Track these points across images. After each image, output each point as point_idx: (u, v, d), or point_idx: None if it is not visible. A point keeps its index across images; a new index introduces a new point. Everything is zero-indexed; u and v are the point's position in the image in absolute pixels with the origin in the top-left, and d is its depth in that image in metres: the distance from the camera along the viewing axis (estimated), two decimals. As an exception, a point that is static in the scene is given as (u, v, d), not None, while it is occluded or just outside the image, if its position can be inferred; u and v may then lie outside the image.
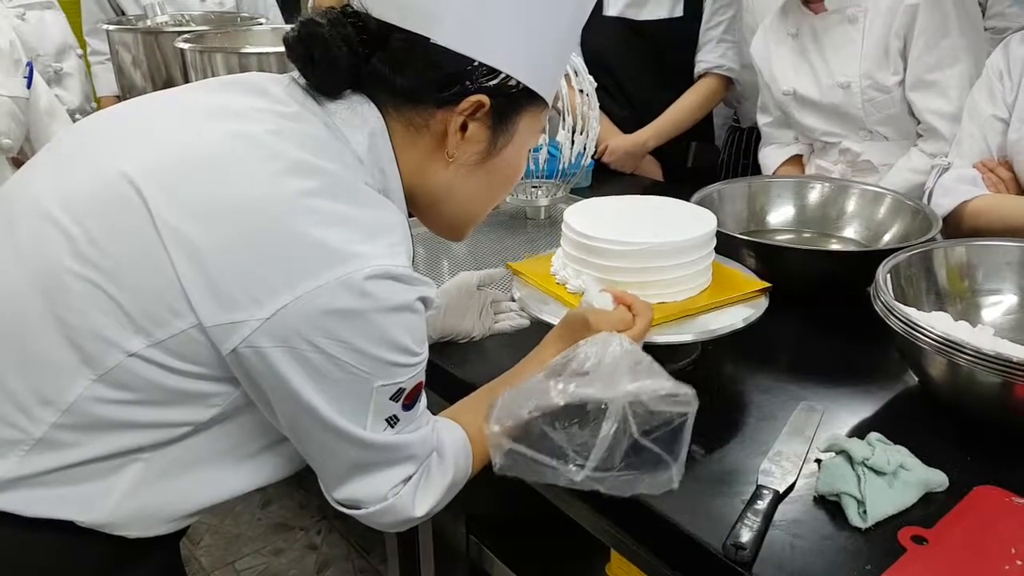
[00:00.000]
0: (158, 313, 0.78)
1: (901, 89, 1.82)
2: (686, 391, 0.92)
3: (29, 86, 2.13)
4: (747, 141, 2.61)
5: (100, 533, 0.85)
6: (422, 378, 0.88)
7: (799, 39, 1.95)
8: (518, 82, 0.90)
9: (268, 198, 0.78)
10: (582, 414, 0.94)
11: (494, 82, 0.88)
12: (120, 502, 0.84)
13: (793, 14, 1.96)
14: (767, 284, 1.23)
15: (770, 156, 2.15)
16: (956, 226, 1.57)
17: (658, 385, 0.93)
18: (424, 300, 0.84)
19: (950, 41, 1.75)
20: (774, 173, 2.12)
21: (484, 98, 0.88)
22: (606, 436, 0.91)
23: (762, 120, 2.16)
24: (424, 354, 0.86)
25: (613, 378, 0.94)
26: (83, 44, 2.94)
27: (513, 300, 1.31)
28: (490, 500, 1.38)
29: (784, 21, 2.00)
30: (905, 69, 1.80)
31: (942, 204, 1.58)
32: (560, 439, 0.94)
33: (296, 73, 0.90)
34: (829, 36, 1.89)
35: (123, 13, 2.87)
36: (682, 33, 2.30)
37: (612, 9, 2.28)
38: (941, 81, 1.76)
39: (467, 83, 0.87)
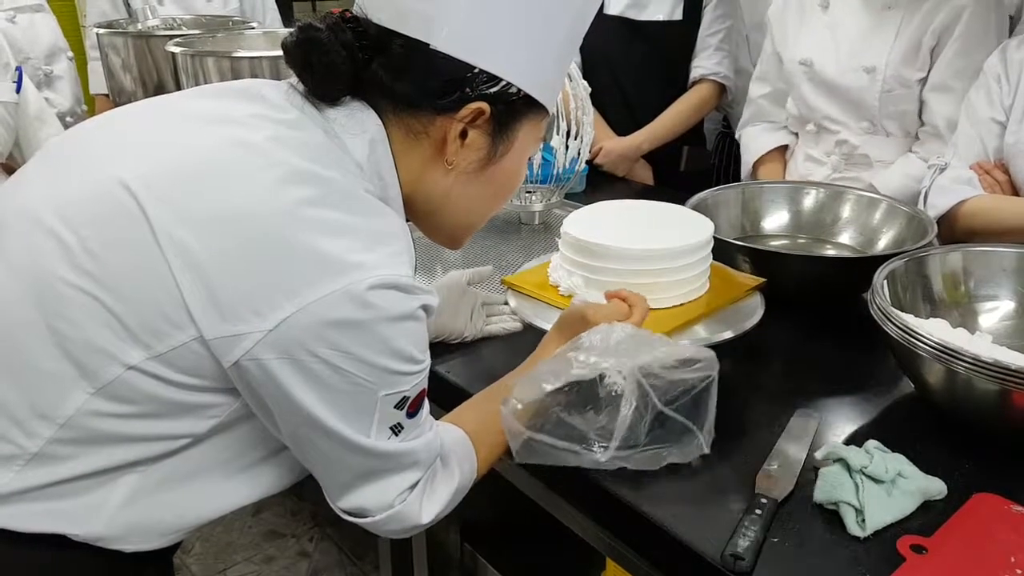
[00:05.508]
0: (158, 325, 0.77)
1: (921, 86, 1.79)
2: (706, 354, 0.92)
3: (18, 91, 2.11)
4: (738, 146, 2.62)
5: (94, 547, 0.83)
6: (425, 385, 0.87)
7: (830, 12, 1.89)
8: (519, 89, 0.89)
9: (269, 207, 0.77)
10: (596, 400, 0.94)
11: (494, 89, 0.88)
12: (114, 515, 0.83)
13: None
14: (761, 280, 1.25)
15: (755, 138, 2.09)
16: (951, 227, 1.57)
17: (676, 352, 0.92)
18: (426, 308, 0.84)
19: (985, 54, 1.71)
20: (753, 165, 2.09)
21: (484, 105, 0.87)
22: (625, 416, 0.90)
23: (757, 91, 2.10)
24: (427, 361, 0.86)
25: (628, 351, 0.93)
26: (76, 44, 2.91)
27: (507, 304, 1.30)
28: (484, 507, 1.37)
29: None
30: (931, 68, 1.77)
31: (938, 204, 1.58)
32: (578, 423, 0.93)
33: (295, 79, 0.89)
34: (864, 18, 1.83)
35: (129, 6, 2.84)
36: (679, 37, 2.31)
37: (613, 8, 2.29)
38: (961, 90, 1.73)
39: (467, 90, 0.87)
